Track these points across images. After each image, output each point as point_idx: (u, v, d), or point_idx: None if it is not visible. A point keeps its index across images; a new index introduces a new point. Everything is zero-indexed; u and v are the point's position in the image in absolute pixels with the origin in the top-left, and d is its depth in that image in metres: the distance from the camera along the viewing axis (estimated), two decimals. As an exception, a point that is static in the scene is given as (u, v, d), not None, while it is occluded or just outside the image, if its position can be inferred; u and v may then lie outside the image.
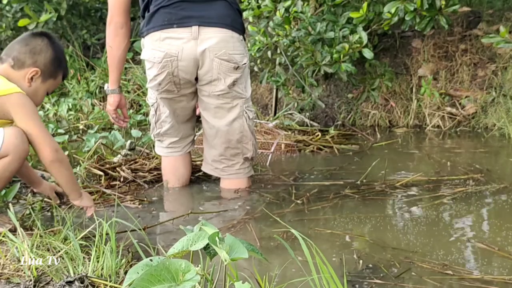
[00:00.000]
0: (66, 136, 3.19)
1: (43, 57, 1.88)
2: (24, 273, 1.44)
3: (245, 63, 2.15)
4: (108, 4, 2.20)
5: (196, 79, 2.17)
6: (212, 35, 2.08)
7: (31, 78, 1.87)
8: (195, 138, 2.48)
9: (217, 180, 2.47)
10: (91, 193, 2.27)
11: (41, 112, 4.29)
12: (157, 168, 2.57)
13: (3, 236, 1.63)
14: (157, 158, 2.70)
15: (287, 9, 3.42)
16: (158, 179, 2.50)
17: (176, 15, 2.08)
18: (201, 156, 2.75)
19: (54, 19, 4.65)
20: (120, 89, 2.33)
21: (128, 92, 4.53)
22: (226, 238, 1.13)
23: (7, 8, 4.74)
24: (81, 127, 3.89)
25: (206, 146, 2.34)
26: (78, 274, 1.37)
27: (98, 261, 1.45)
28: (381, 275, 1.46)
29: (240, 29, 2.17)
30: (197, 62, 2.10)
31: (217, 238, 1.10)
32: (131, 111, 4.18)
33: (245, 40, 2.25)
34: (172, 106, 2.25)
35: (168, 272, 1.05)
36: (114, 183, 2.41)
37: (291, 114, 3.71)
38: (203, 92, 2.19)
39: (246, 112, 2.20)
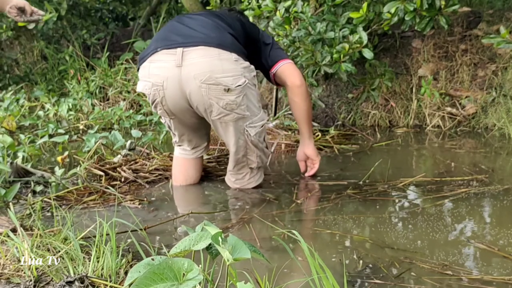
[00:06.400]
0: (66, 136, 3.19)
1: None
2: (24, 273, 1.44)
3: (239, 85, 2.02)
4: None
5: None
6: (196, 60, 1.99)
7: None
8: (210, 142, 2.49)
9: (217, 179, 2.47)
10: (91, 193, 2.27)
11: (41, 112, 4.29)
12: (158, 169, 2.57)
13: (3, 236, 1.63)
14: (157, 158, 2.71)
15: (287, 9, 3.42)
16: (159, 179, 2.50)
17: (162, 40, 2.09)
18: (208, 157, 2.77)
19: (54, 19, 4.65)
20: None
21: (128, 92, 4.53)
22: (229, 238, 1.13)
23: (7, 8, 4.74)
24: (81, 127, 3.89)
25: None
26: (78, 274, 1.37)
27: (98, 261, 1.45)
28: (381, 275, 1.46)
29: (232, 48, 2.05)
30: (184, 92, 2.04)
31: (220, 238, 1.10)
32: (131, 111, 4.17)
33: (250, 62, 2.13)
34: (177, 123, 2.26)
35: (171, 271, 1.05)
36: (114, 183, 2.42)
37: (291, 114, 3.71)
38: (208, 118, 2.15)
39: (247, 131, 2.16)
